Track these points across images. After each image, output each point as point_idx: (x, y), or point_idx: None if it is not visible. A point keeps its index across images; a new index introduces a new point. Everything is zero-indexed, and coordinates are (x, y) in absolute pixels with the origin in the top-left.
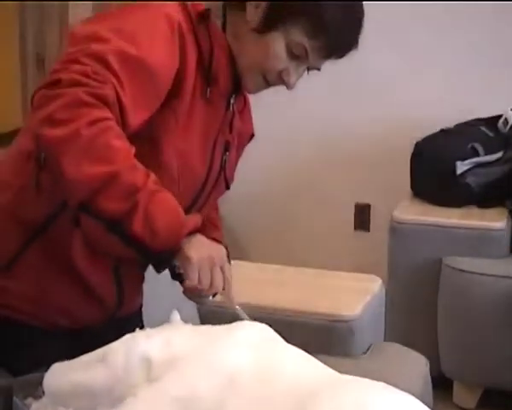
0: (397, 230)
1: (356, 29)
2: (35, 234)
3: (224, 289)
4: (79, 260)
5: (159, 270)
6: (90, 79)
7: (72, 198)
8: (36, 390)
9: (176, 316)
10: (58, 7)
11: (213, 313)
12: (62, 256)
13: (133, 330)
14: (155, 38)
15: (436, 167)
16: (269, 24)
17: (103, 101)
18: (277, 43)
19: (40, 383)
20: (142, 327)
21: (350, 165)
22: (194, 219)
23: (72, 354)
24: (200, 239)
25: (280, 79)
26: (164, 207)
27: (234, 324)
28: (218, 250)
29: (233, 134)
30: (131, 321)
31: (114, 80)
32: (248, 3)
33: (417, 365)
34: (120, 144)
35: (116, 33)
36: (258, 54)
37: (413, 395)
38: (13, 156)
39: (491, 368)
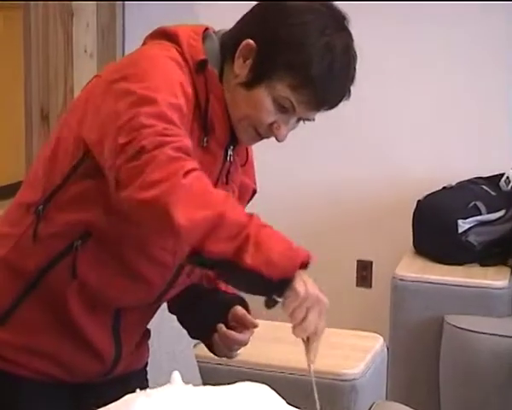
0: (399, 287)
1: (345, 81)
2: (31, 286)
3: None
4: (76, 312)
5: (272, 303)
6: (167, 136)
7: (184, 246)
8: None
9: (177, 377)
10: (63, 62)
11: (216, 372)
12: (58, 308)
13: (136, 388)
14: (178, 86)
15: (438, 225)
16: (255, 79)
17: (186, 152)
18: (264, 98)
19: None
20: (146, 386)
21: (352, 222)
22: (306, 251)
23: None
24: (306, 276)
25: (271, 132)
26: (275, 237)
27: (235, 385)
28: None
29: (231, 185)
30: (135, 379)
31: (180, 131)
32: (237, 58)
33: None
34: (216, 190)
35: (153, 90)
36: (248, 107)
37: None
38: (12, 209)
39: None
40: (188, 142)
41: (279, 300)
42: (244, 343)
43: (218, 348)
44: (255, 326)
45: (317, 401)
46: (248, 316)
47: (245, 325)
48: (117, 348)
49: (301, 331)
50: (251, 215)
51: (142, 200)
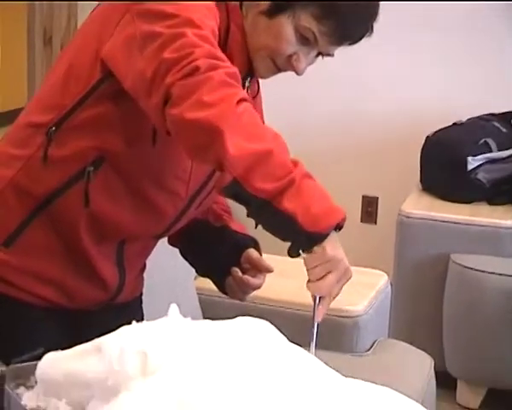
0: (404, 224)
1: (368, 16)
2: (39, 208)
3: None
4: (84, 239)
5: (296, 252)
6: (219, 60)
7: (227, 175)
8: (28, 380)
9: (174, 310)
10: None
11: (216, 305)
12: (66, 235)
13: (133, 318)
14: (211, 11)
15: (446, 162)
16: (278, 7)
17: (237, 79)
18: (286, 27)
19: (33, 372)
20: (142, 316)
21: (359, 156)
22: (344, 213)
23: (69, 338)
24: (337, 239)
25: (289, 64)
26: (318, 191)
27: (235, 320)
28: (347, 263)
29: None
30: (131, 308)
31: (225, 57)
32: None
33: (422, 364)
34: (265, 125)
35: (192, 12)
36: (268, 37)
37: (416, 394)
38: (20, 130)
39: (497, 368)
40: (236, 69)
41: (303, 254)
42: (259, 288)
43: (231, 291)
44: (270, 271)
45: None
46: (263, 260)
47: (259, 269)
48: (120, 277)
49: (316, 289)
50: (296, 161)
51: (194, 119)
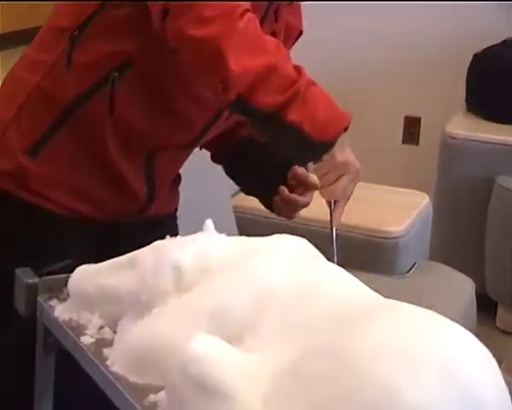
0: (448, 145)
1: None
2: (65, 115)
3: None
4: (110, 147)
5: (308, 161)
6: None
7: (232, 91)
8: (61, 292)
9: (210, 226)
10: None
11: (252, 223)
12: (92, 144)
13: (166, 234)
14: None
15: (495, 81)
16: None
17: None
18: None
19: (65, 284)
20: (176, 233)
21: (402, 75)
22: (349, 114)
23: (97, 253)
24: (345, 141)
25: None
26: (322, 97)
27: (272, 236)
28: (357, 164)
29: (279, 24)
30: (164, 224)
31: None
32: None
33: (463, 287)
34: (267, 36)
35: None
36: None
37: (457, 317)
38: (45, 34)
39: None
40: None
41: (311, 164)
42: (307, 206)
43: (278, 210)
44: (317, 188)
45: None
46: (310, 176)
47: (306, 186)
48: (149, 188)
49: (329, 193)
50: (299, 69)
51: (195, 37)
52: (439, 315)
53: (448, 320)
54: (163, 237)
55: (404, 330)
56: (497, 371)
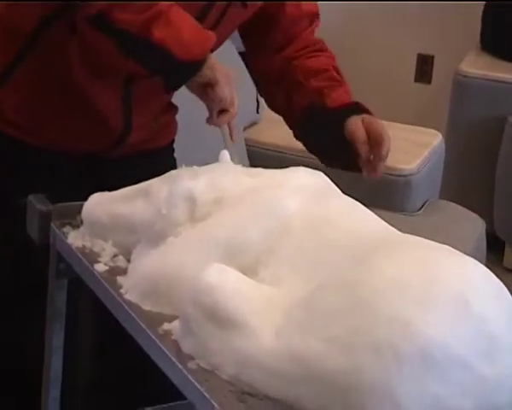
0: (461, 83)
1: None
2: (29, 42)
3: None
4: (79, 74)
5: (178, 84)
6: None
7: (90, 7)
8: (74, 219)
9: (225, 156)
10: None
11: (265, 157)
12: (59, 69)
13: (160, 168)
14: None
15: (509, 20)
16: None
17: None
18: None
19: (79, 212)
20: (171, 166)
21: (415, 12)
22: (213, 34)
23: (83, 184)
24: (215, 59)
25: None
26: (185, 17)
27: (288, 169)
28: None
29: (222, 28)
30: (158, 156)
31: None
32: None
33: (473, 225)
34: None
35: None
36: None
37: (467, 254)
38: None
39: None
40: None
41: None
42: (386, 157)
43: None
44: (381, 138)
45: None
46: (362, 130)
47: (371, 140)
48: (126, 117)
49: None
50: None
51: None
52: (455, 250)
53: (464, 255)
54: (157, 172)
55: (419, 264)
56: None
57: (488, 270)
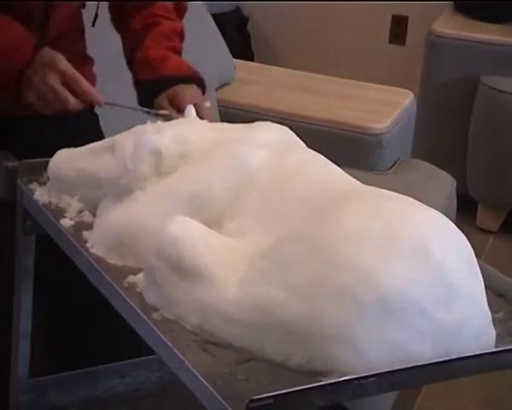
0: (434, 43)
1: None
2: None
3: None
4: None
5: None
6: None
7: None
8: (40, 176)
9: (191, 111)
10: None
11: (237, 118)
12: None
13: (80, 133)
14: None
15: None
16: None
17: None
18: None
19: (45, 168)
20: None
21: None
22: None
23: None
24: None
25: None
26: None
27: (254, 123)
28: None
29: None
30: (77, 123)
31: None
32: None
33: (444, 184)
34: None
35: None
36: None
37: None
38: None
39: None
40: None
41: None
42: None
43: None
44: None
45: None
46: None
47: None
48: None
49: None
50: None
51: None
52: (416, 201)
53: (424, 206)
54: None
55: (379, 214)
56: (471, 255)
57: (449, 220)
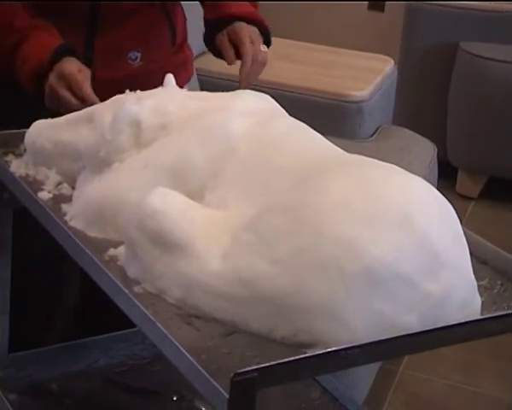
0: (413, 10)
1: None
2: None
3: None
4: None
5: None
6: None
7: None
8: (17, 148)
9: (171, 80)
10: None
11: (217, 87)
12: None
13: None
14: None
15: None
16: None
17: None
18: None
19: (21, 140)
20: None
21: None
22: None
23: None
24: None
25: None
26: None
27: (234, 92)
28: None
29: None
30: None
31: None
32: None
33: (425, 151)
34: None
35: None
36: None
37: None
38: None
39: (497, 156)
40: None
41: None
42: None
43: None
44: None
45: None
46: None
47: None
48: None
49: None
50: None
51: None
52: (401, 168)
53: (409, 173)
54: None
55: (363, 183)
56: (456, 224)
57: (433, 188)
